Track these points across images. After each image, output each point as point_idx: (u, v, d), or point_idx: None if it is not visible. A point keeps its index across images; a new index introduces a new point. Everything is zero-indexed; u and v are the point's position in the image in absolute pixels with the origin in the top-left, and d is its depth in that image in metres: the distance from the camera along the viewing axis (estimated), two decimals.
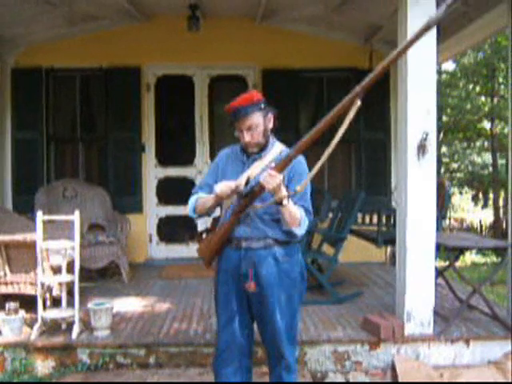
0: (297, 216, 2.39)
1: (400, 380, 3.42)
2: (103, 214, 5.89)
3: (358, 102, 2.01)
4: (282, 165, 2.24)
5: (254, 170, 2.50)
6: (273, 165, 2.27)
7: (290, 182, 2.43)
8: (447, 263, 4.07)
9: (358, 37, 6.31)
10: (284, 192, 2.27)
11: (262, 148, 2.52)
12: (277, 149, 2.55)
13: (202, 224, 5.39)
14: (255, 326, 2.64)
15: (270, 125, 2.52)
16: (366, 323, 3.74)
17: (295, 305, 2.56)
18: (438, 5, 3.57)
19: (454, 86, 13.73)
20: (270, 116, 2.51)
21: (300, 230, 2.45)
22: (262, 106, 2.47)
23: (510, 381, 3.39)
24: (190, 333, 3.73)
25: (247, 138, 2.47)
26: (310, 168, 2.48)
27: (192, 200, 2.61)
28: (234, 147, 2.64)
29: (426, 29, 1.82)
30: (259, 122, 2.46)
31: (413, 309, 3.63)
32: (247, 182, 2.40)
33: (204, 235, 2.61)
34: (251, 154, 2.54)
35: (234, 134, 2.54)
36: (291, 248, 2.55)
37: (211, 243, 2.55)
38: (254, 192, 2.34)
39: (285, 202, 2.29)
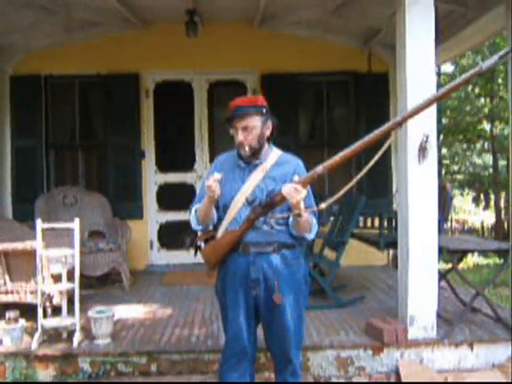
0: (309, 223, 2.45)
1: None
2: (103, 221, 5.87)
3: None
4: (307, 180, 2.31)
5: (257, 176, 2.50)
6: (296, 178, 2.31)
7: None
8: (450, 266, 4.04)
9: (356, 40, 6.30)
10: (303, 205, 2.32)
11: (255, 152, 2.50)
12: (275, 155, 2.56)
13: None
14: (258, 331, 2.63)
15: (268, 132, 2.53)
16: (369, 328, 3.72)
17: (301, 307, 2.59)
18: (436, 8, 3.56)
19: None
20: (269, 124, 2.53)
21: (310, 236, 2.53)
22: (264, 110, 2.49)
23: None
24: (192, 339, 3.71)
25: (240, 137, 2.47)
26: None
27: (192, 213, 2.60)
28: (232, 153, 2.62)
29: (476, 74, 2.04)
30: (256, 124, 2.47)
31: (416, 312, 3.61)
32: (252, 200, 2.44)
33: (202, 245, 2.59)
34: (249, 159, 2.52)
35: (230, 132, 2.54)
36: (297, 251, 2.58)
37: (218, 248, 2.53)
38: (273, 202, 2.38)
39: (303, 213, 2.34)
